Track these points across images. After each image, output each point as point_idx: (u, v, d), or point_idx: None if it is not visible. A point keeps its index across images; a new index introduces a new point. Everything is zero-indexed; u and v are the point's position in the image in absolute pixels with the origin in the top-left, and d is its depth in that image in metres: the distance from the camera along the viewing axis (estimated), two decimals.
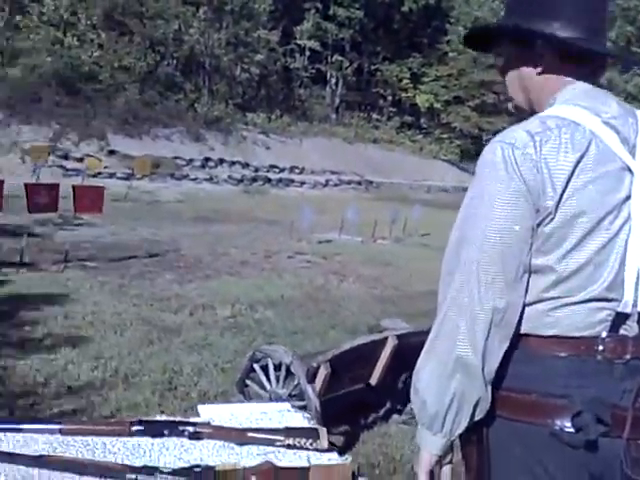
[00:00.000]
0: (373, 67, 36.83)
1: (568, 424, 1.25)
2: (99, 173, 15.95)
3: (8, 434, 1.31)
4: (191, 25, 24.59)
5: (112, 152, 18.83)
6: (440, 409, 1.27)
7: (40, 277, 6.61)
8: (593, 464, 1.27)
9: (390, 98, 36.65)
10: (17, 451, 1.25)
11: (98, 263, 7.59)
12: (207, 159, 21.60)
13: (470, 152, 34.75)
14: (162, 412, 3.32)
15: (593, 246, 1.26)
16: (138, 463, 1.20)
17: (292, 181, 23.08)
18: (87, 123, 18.99)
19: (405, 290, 7.55)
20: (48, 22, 21.48)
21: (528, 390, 1.29)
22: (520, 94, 1.42)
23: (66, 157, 17.46)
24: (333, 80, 35.91)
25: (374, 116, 34.88)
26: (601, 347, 1.28)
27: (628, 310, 1.28)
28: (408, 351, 3.45)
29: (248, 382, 3.22)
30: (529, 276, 1.27)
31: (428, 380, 1.29)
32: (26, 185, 6.99)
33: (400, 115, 35.70)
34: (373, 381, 3.34)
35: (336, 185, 24.56)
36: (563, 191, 1.23)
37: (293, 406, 1.78)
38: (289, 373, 3.04)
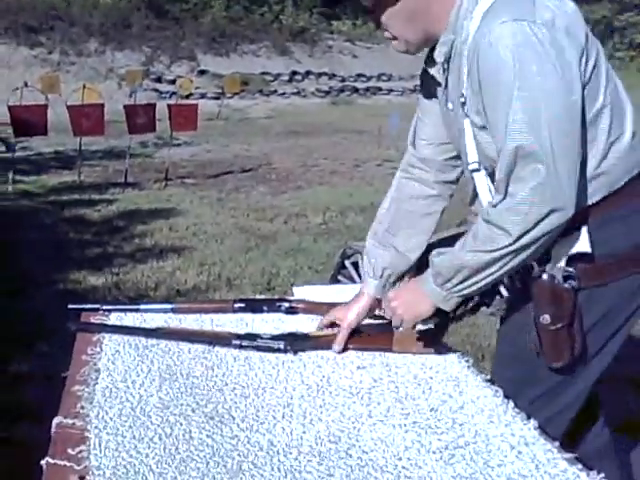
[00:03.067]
0: None
1: None
2: (191, 94, 16.29)
3: (128, 314, 1.53)
4: None
5: (202, 72, 19.11)
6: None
7: (144, 195, 7.04)
8: None
9: None
10: (136, 326, 1.47)
11: (196, 180, 7.96)
12: (294, 72, 21.48)
13: None
14: None
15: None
16: (242, 332, 1.39)
17: (379, 89, 22.59)
18: (177, 45, 19.28)
19: None
20: None
21: (610, 253, 1.29)
22: (411, 27, 1.28)
23: (159, 80, 17.91)
24: None
25: None
26: None
27: None
28: None
29: (340, 278, 3.40)
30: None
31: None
32: (125, 107, 7.32)
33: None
34: None
35: None
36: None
37: None
38: None
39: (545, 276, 1.27)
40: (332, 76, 22.21)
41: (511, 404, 1.15)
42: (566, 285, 1.26)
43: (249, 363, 1.28)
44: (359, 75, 22.80)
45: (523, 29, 1.11)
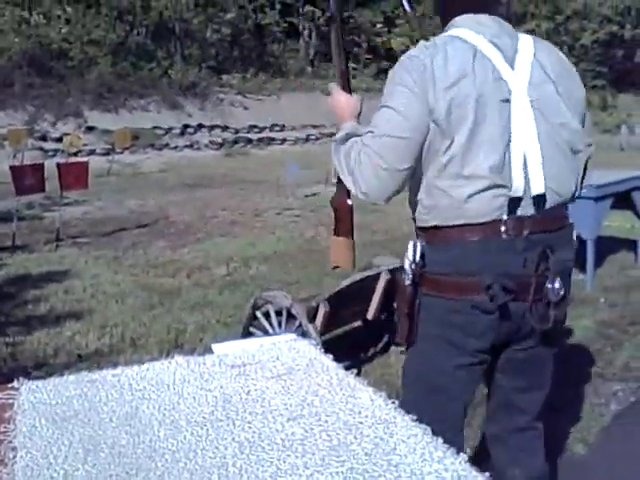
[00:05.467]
0: (346, 14, 36.14)
1: (484, 296, 1.55)
2: (79, 151, 15.85)
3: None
4: None
5: (90, 128, 18.69)
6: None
7: (35, 258, 6.71)
8: (504, 326, 1.62)
9: (365, 45, 36.14)
10: None
11: (90, 239, 7.69)
12: (186, 126, 21.46)
13: None
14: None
15: (479, 142, 1.53)
16: None
17: (273, 139, 22.99)
18: (62, 102, 18.77)
19: (394, 233, 7.70)
20: (12, 2, 20.97)
21: (450, 272, 1.59)
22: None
23: (44, 138, 17.31)
24: (306, 32, 35.32)
25: (350, 65, 34.45)
26: (503, 228, 1.57)
27: (520, 194, 1.57)
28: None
29: (252, 329, 3.37)
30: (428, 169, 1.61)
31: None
32: (12, 167, 7.01)
33: (376, 61, 35.22)
34: (369, 316, 3.49)
35: (317, 139, 24.45)
36: (448, 97, 1.52)
37: (299, 335, 1.95)
38: (290, 316, 3.19)
39: (400, 275, 1.66)
40: (225, 128, 22.37)
41: (440, 440, 1.19)
42: (407, 283, 1.62)
43: (176, 426, 1.24)
44: (252, 126, 23.13)
45: (403, 59, 1.65)
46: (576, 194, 1.69)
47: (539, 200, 1.59)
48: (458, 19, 1.65)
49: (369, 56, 35.71)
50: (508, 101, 1.56)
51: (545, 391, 1.83)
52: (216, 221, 8.79)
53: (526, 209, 1.59)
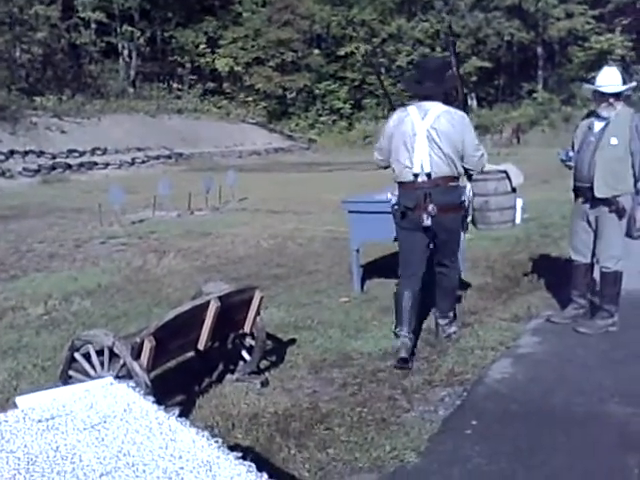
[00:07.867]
0: (167, 34, 35.62)
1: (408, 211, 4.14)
2: None
3: None
4: None
5: None
6: None
7: None
8: (415, 221, 4.08)
9: (189, 65, 35.81)
10: None
11: None
12: None
13: (277, 112, 35.27)
14: None
15: (402, 150, 4.09)
16: None
17: (95, 164, 21.91)
18: None
19: (228, 257, 7.60)
20: None
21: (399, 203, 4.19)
22: None
23: None
24: (125, 52, 34.25)
25: (175, 85, 33.88)
26: (412, 185, 4.06)
27: (418, 172, 4.04)
28: (232, 310, 3.53)
29: (71, 373, 3.11)
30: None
31: None
32: None
33: (202, 82, 34.98)
34: (201, 346, 3.38)
35: (144, 162, 23.70)
36: (391, 133, 4.20)
37: (116, 377, 1.80)
38: (113, 355, 2.99)
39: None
40: (40, 154, 20.93)
41: (265, 476, 1.15)
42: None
43: None
44: (71, 151, 21.86)
45: (390, 114, 4.48)
46: (458, 174, 4.12)
47: (429, 175, 3.99)
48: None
49: (194, 77, 35.43)
50: (415, 135, 4.00)
51: (449, 246, 4.28)
52: (32, 255, 8.11)
53: (423, 178, 4.01)
